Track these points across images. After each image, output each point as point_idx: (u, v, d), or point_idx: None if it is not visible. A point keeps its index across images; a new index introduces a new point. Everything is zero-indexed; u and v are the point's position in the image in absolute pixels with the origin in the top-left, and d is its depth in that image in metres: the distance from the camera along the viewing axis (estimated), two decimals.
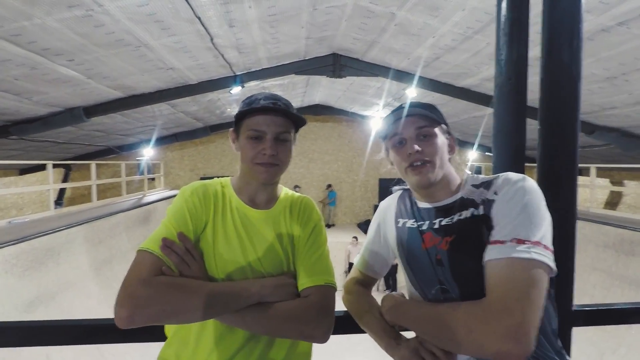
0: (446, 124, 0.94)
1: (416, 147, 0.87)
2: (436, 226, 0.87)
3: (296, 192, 1.05)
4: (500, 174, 0.85)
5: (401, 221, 0.97)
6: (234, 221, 0.91)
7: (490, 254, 0.73)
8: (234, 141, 0.96)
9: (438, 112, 0.93)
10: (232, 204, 0.93)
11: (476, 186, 0.87)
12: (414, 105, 0.91)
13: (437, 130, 0.90)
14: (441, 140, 0.90)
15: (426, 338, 0.79)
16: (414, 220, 0.93)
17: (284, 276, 0.90)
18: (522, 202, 0.75)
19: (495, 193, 0.80)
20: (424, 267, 0.87)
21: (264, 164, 0.89)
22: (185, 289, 0.79)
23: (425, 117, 0.89)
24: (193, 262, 0.85)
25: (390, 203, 1.04)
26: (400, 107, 0.92)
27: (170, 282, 0.79)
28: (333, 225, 12.72)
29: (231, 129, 0.96)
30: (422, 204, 0.94)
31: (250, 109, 0.89)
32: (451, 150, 0.93)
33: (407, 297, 0.95)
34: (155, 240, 0.83)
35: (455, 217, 0.85)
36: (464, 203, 0.85)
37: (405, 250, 0.92)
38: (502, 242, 0.72)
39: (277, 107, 0.88)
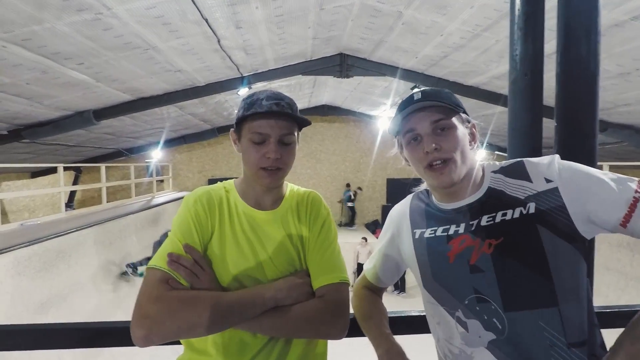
0: (465, 111, 0.83)
1: (433, 145, 0.77)
2: (473, 227, 0.77)
3: None
4: (518, 160, 0.80)
5: (418, 232, 0.87)
6: (241, 226, 0.90)
7: None
8: (235, 142, 0.93)
9: (455, 99, 0.82)
10: (238, 209, 0.92)
11: (496, 172, 0.81)
12: (427, 94, 0.80)
13: (455, 120, 0.79)
14: (461, 131, 0.80)
15: None
16: (435, 227, 0.83)
17: (297, 276, 0.89)
18: (592, 176, 0.72)
19: (549, 180, 0.73)
20: (455, 277, 0.77)
21: (267, 169, 0.87)
22: (198, 302, 0.77)
23: (441, 107, 0.78)
24: (202, 273, 0.83)
25: (403, 211, 0.94)
26: (411, 98, 0.81)
27: (182, 297, 0.78)
28: (354, 225, 12.42)
29: (232, 130, 0.92)
30: (447, 205, 0.84)
31: (254, 112, 0.85)
32: (473, 139, 0.83)
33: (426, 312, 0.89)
34: (162, 256, 0.82)
35: (499, 217, 0.75)
36: (498, 196, 0.77)
37: (428, 263, 0.82)
38: (631, 209, 0.69)
39: (281, 111, 0.85)
